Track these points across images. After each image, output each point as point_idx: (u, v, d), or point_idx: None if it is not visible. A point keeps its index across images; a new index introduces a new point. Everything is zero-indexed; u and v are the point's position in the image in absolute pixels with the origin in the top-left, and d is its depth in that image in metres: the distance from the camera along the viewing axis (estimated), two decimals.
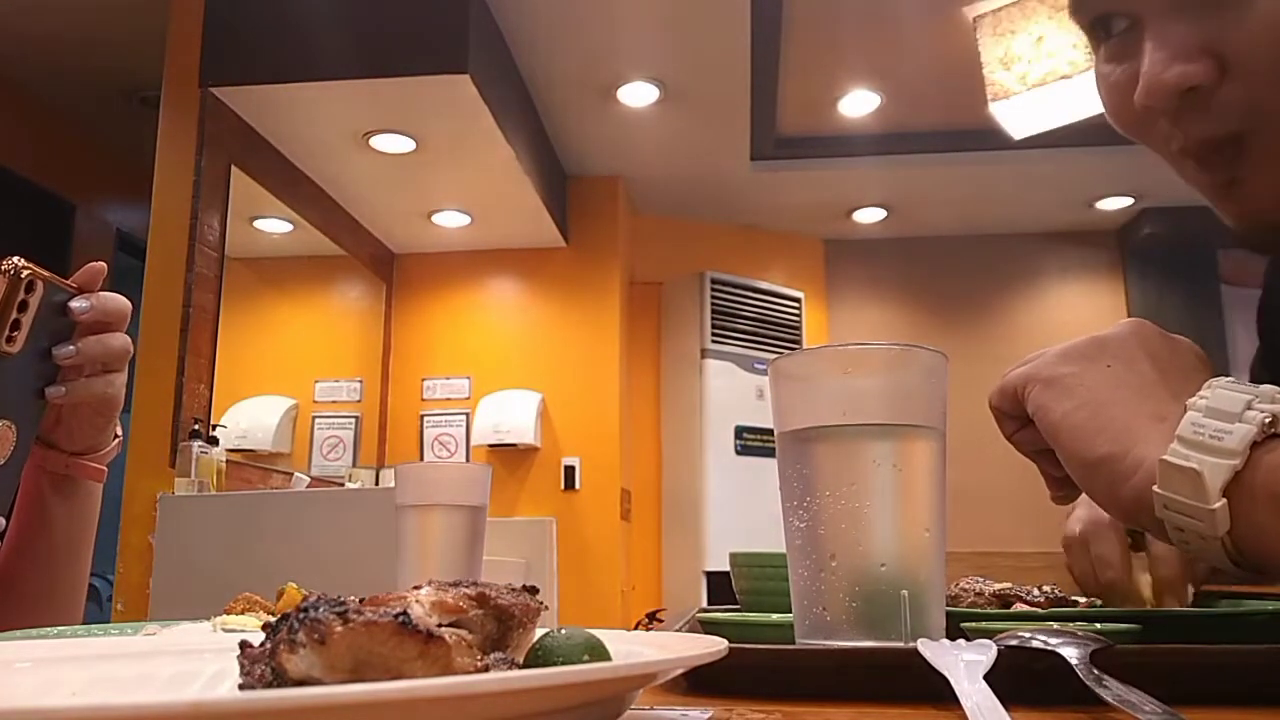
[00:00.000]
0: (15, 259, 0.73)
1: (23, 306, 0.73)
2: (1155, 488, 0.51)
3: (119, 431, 0.90)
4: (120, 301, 0.81)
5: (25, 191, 4.00)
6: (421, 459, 4.36)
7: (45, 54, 3.76)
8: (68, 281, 0.78)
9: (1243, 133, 0.59)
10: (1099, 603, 0.71)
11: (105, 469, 0.88)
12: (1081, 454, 0.56)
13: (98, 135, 4.32)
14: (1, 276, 0.73)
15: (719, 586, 4.31)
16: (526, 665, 0.36)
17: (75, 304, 0.78)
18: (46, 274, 0.75)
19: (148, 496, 2.79)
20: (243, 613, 0.62)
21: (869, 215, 5.09)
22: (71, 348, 0.78)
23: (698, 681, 0.51)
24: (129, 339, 0.83)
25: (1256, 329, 0.82)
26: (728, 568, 0.77)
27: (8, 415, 0.75)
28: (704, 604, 4.24)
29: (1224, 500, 0.48)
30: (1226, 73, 0.58)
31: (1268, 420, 0.48)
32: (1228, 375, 0.54)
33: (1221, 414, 0.49)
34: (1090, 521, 0.73)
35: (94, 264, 0.80)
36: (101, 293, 0.80)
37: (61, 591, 0.90)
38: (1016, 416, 0.62)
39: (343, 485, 3.87)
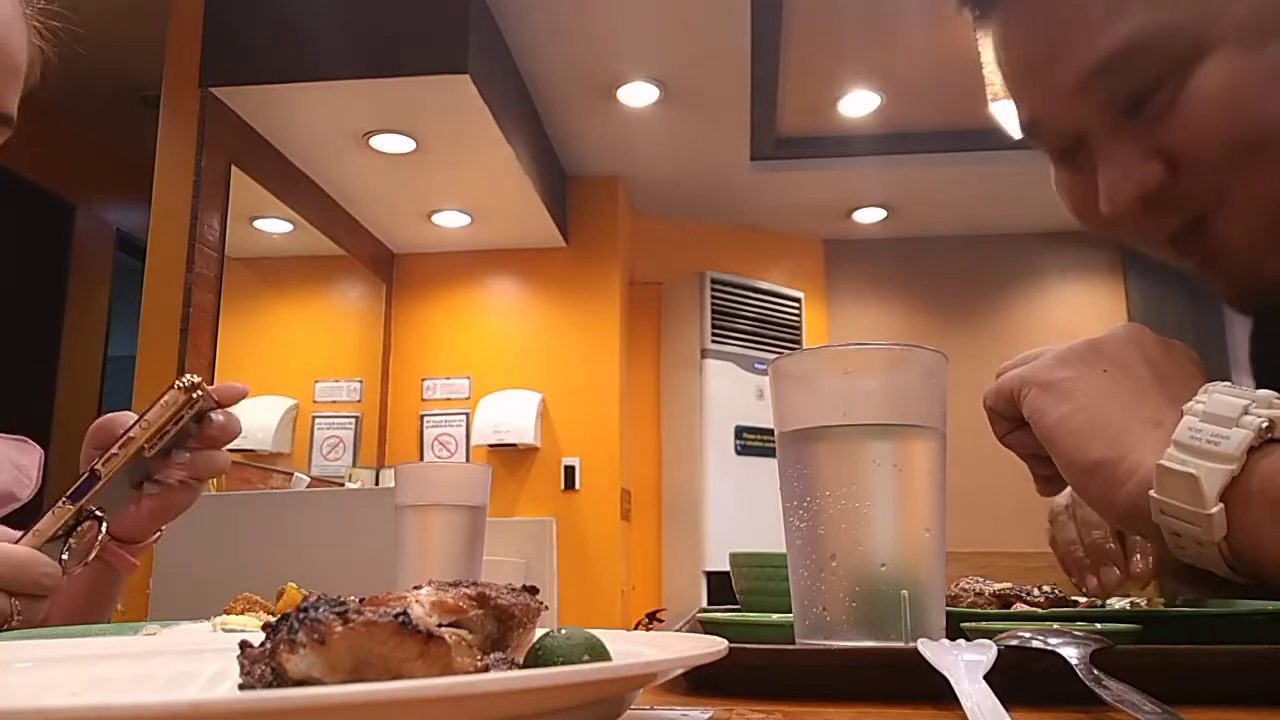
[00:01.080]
0: (192, 377, 0.75)
1: (178, 420, 0.75)
2: (1152, 492, 0.51)
3: (164, 529, 0.91)
4: (238, 424, 0.82)
5: (25, 191, 4.00)
6: (421, 459, 4.36)
7: (45, 54, 3.75)
8: (214, 398, 0.79)
9: (1204, 217, 0.63)
10: (1099, 602, 0.70)
11: (137, 564, 0.88)
12: (1077, 459, 0.56)
13: (98, 135, 4.32)
14: (177, 392, 0.74)
15: (719, 586, 4.31)
16: (526, 665, 0.36)
17: (215, 417, 0.79)
18: (207, 394, 0.77)
19: None
20: (243, 613, 0.62)
21: (869, 215, 5.09)
22: (187, 455, 0.79)
23: (698, 681, 0.51)
24: (230, 459, 0.84)
25: (1250, 371, 0.82)
26: (728, 568, 0.77)
27: (107, 510, 0.75)
28: (704, 604, 4.24)
29: (1221, 505, 0.48)
30: (1177, 169, 0.62)
31: (1265, 425, 0.48)
32: (1227, 377, 0.54)
33: (1218, 419, 0.49)
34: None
35: (238, 385, 0.82)
36: (231, 411, 0.81)
37: None
38: (1011, 418, 0.62)
39: (343, 485, 3.87)
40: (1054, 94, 0.65)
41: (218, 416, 0.79)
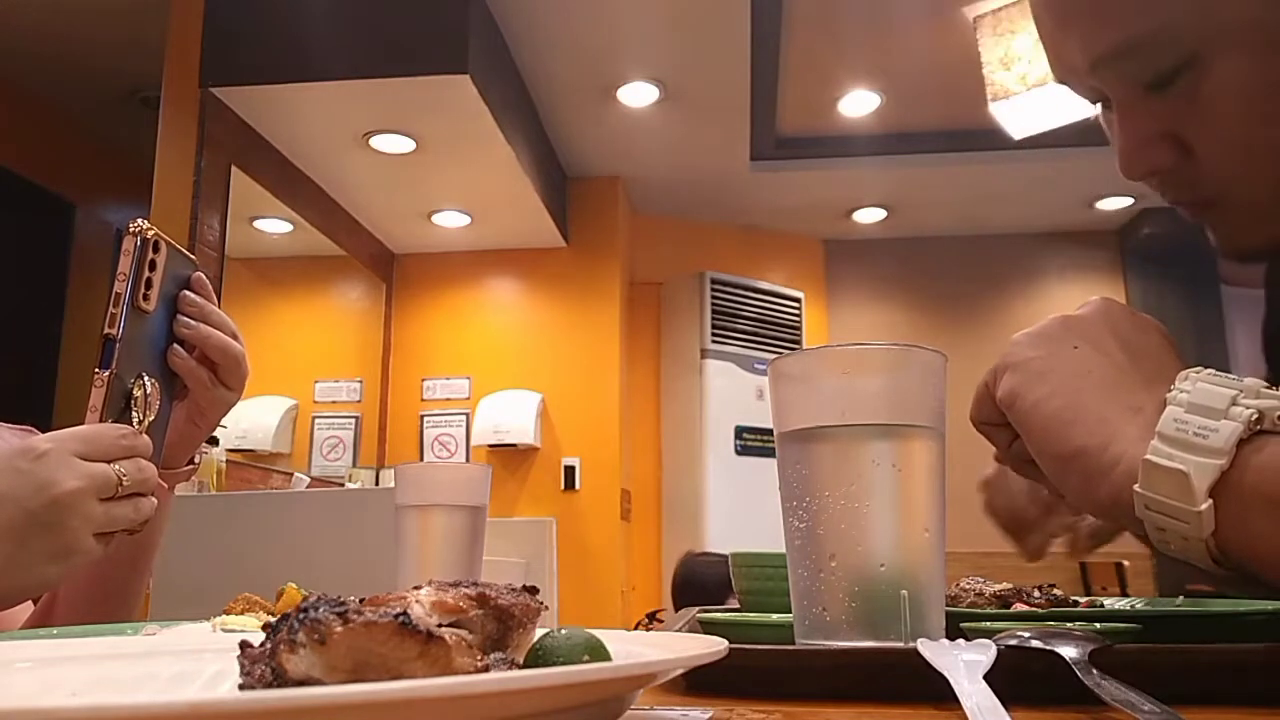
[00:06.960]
0: (141, 221, 0.76)
1: (152, 265, 0.77)
2: (1137, 488, 0.49)
3: (197, 459, 0.90)
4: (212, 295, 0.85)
5: (25, 191, 4.00)
6: (421, 459, 4.35)
7: (45, 54, 3.76)
8: (188, 253, 0.82)
9: (1213, 199, 0.65)
10: (1099, 602, 0.71)
11: (167, 489, 0.86)
12: (1055, 447, 0.54)
13: (98, 135, 4.32)
14: (131, 237, 0.75)
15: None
16: (526, 665, 0.36)
17: (198, 275, 0.82)
18: (168, 239, 0.79)
19: None
20: (243, 613, 0.62)
21: (869, 215, 5.09)
22: (194, 323, 0.81)
23: (698, 681, 0.51)
24: (247, 360, 0.85)
25: (1264, 355, 0.82)
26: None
27: (152, 373, 0.77)
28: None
29: (1210, 501, 0.46)
30: (1189, 154, 0.63)
31: (1254, 417, 0.46)
32: (1226, 371, 0.53)
33: (1205, 410, 0.47)
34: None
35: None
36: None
37: (116, 596, 0.90)
38: (1003, 424, 0.59)
39: (343, 485, 3.87)
40: (1071, 66, 0.66)
41: (202, 275, 0.82)
